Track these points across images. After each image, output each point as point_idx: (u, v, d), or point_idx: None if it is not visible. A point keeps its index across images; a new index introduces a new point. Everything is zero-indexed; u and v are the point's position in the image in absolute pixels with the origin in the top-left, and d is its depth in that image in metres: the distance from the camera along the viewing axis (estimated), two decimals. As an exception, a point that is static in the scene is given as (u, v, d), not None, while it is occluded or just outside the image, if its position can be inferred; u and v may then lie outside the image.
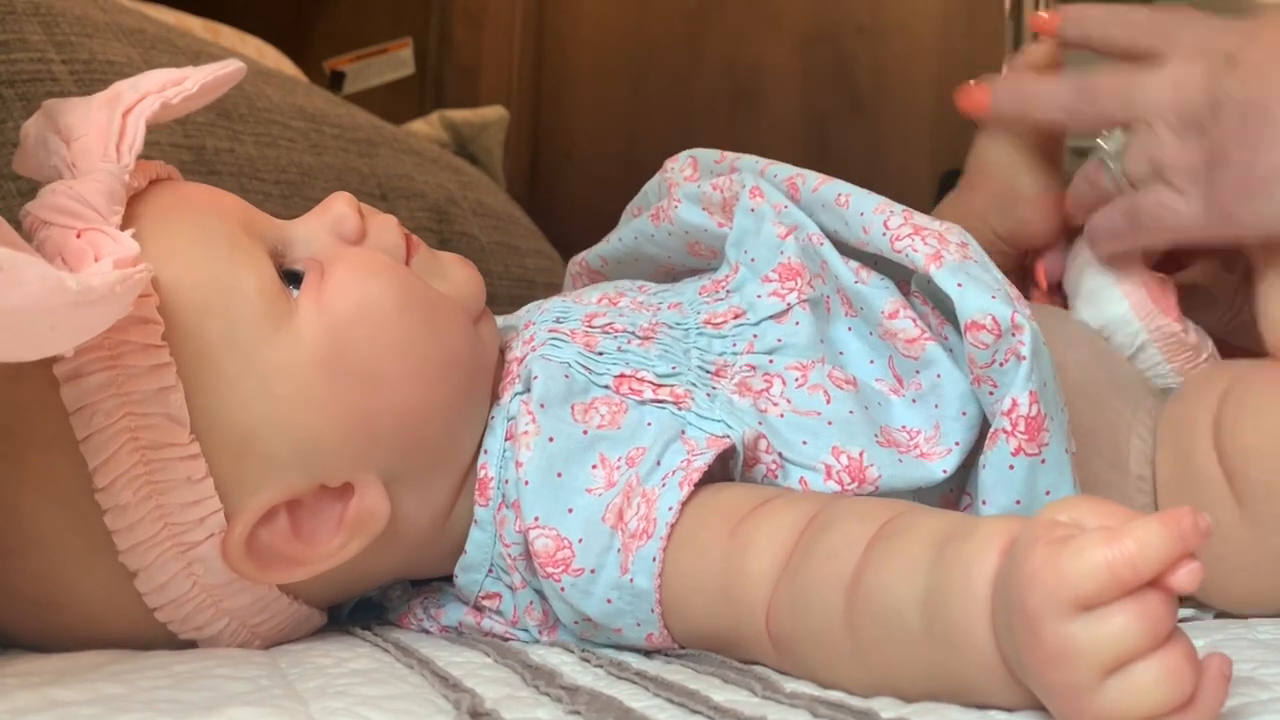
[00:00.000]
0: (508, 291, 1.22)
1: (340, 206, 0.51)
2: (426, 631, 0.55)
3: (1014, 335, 0.48)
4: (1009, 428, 0.48)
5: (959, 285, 0.49)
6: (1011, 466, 0.49)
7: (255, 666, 0.44)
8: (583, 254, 0.68)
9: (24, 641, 0.48)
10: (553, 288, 1.27)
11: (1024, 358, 0.48)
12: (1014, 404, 0.48)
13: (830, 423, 0.52)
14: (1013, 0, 1.92)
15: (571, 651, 0.48)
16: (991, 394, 0.50)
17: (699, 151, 0.63)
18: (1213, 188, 0.55)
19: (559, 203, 2.05)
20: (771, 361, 0.53)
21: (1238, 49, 0.54)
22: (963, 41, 1.92)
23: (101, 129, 0.46)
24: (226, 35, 1.40)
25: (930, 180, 1.74)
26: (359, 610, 0.57)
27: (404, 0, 1.94)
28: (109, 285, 0.38)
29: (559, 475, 0.49)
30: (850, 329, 0.55)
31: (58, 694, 0.39)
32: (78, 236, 0.42)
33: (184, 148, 0.89)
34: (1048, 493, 0.49)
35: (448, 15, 1.93)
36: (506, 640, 0.52)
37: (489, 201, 1.37)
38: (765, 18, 2.02)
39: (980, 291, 0.49)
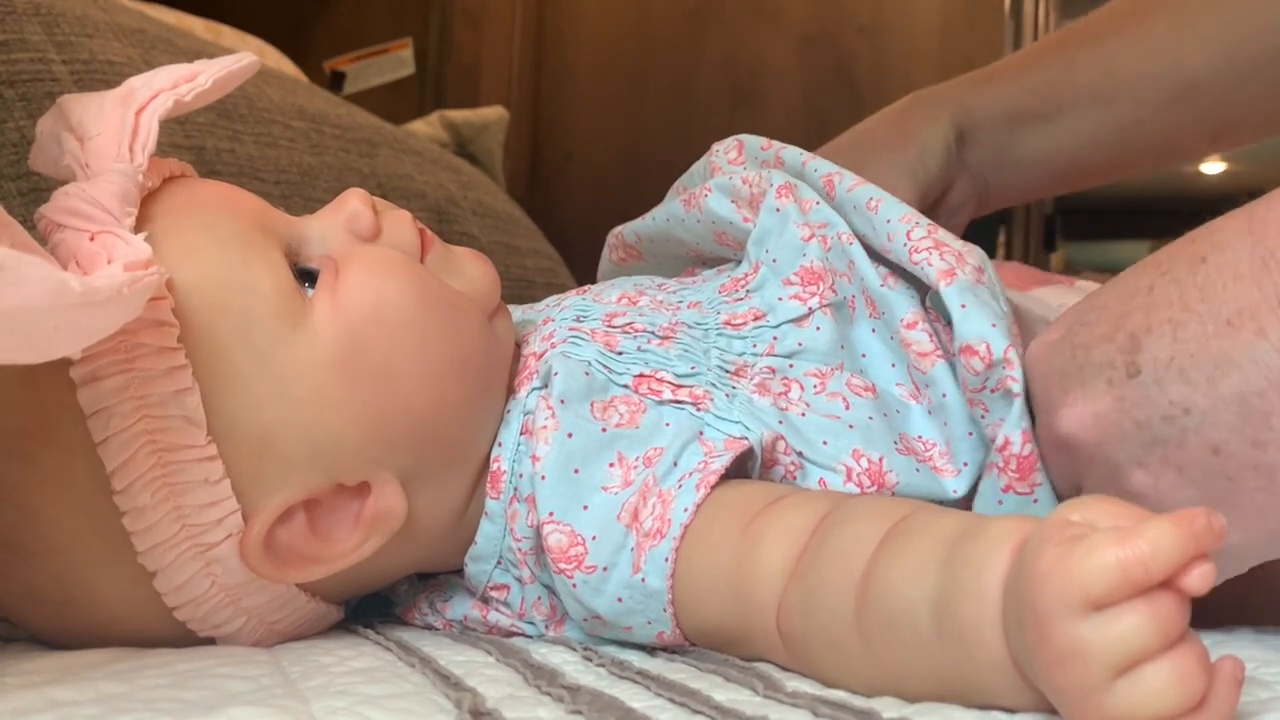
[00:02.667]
0: (508, 291, 1.20)
1: (354, 203, 0.51)
2: (431, 626, 0.55)
3: (1004, 368, 0.48)
4: (1001, 464, 0.48)
5: (962, 306, 0.49)
6: (1001, 502, 0.49)
7: (257, 665, 0.44)
8: (621, 227, 0.68)
9: (46, 638, 0.49)
10: (553, 287, 1.27)
11: (1017, 395, 0.48)
12: (1006, 442, 0.48)
13: (851, 426, 0.52)
14: (1012, 0, 1.92)
15: (574, 650, 0.48)
16: (983, 417, 0.50)
17: (746, 137, 0.63)
18: None
19: (559, 203, 2.05)
20: (791, 366, 0.53)
21: None
22: (963, 41, 1.92)
23: (115, 128, 0.46)
24: (227, 35, 1.40)
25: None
26: (364, 602, 0.57)
27: (404, 0, 1.94)
28: (115, 287, 0.38)
29: (576, 472, 0.48)
30: (874, 330, 0.55)
31: (58, 694, 0.38)
32: (91, 240, 0.42)
33: (184, 148, 0.88)
34: None
35: (448, 15, 1.93)
36: (511, 635, 0.52)
37: (489, 201, 1.37)
38: (765, 18, 2.02)
39: (982, 317, 0.49)
